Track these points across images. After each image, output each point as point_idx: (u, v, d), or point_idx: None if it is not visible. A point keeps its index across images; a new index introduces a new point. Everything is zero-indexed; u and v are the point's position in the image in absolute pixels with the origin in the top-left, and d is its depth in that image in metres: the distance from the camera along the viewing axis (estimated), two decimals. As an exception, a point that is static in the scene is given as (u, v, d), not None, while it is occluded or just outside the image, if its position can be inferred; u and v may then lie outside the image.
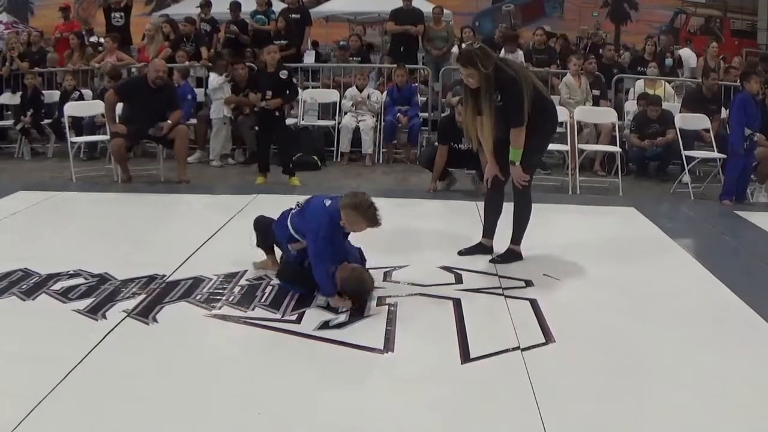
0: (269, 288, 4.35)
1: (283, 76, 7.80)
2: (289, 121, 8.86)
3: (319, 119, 9.80)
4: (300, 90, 9.27)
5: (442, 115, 9.30)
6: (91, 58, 10.63)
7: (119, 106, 7.96)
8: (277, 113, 7.82)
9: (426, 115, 10.14)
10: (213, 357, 3.49)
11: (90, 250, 5.20)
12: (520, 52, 10.52)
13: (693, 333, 3.91)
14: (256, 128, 7.98)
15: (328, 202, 4.15)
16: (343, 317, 3.94)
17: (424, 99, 10.25)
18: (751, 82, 7.47)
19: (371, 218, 4.10)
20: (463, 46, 9.33)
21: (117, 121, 7.82)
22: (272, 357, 3.53)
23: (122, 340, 3.64)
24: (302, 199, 4.34)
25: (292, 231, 4.26)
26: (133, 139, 7.79)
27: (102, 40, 11.63)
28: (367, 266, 4.41)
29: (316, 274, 4.10)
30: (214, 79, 9.28)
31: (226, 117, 9.10)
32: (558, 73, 10.24)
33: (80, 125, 9.24)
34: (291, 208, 4.35)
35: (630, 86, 10.20)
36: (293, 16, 11.06)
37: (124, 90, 7.93)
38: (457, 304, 4.19)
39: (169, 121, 7.62)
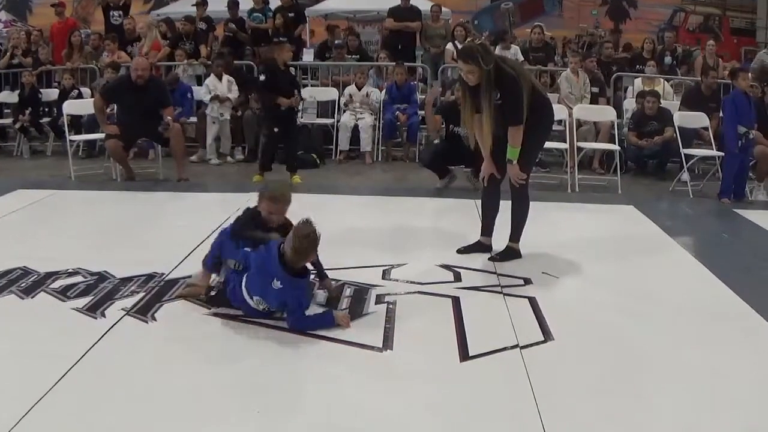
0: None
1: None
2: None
3: (318, 117, 9.80)
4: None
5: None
6: (89, 57, 10.61)
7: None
8: (291, 110, 7.86)
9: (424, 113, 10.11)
10: (212, 355, 3.48)
11: (89, 248, 5.19)
12: (517, 48, 10.51)
13: (691, 331, 3.92)
14: (275, 129, 7.76)
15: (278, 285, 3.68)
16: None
17: (423, 97, 10.23)
18: (739, 80, 7.47)
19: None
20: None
21: (114, 121, 7.81)
22: (271, 355, 3.52)
23: (121, 338, 3.64)
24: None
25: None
26: (129, 138, 7.75)
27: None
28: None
29: (308, 328, 3.75)
30: (211, 79, 9.26)
31: (217, 117, 9.05)
32: (556, 70, 10.24)
33: (79, 123, 9.23)
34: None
35: (629, 84, 10.20)
36: (288, 14, 11.07)
37: (110, 92, 7.85)
38: (456, 302, 4.19)
39: (169, 117, 7.58)
